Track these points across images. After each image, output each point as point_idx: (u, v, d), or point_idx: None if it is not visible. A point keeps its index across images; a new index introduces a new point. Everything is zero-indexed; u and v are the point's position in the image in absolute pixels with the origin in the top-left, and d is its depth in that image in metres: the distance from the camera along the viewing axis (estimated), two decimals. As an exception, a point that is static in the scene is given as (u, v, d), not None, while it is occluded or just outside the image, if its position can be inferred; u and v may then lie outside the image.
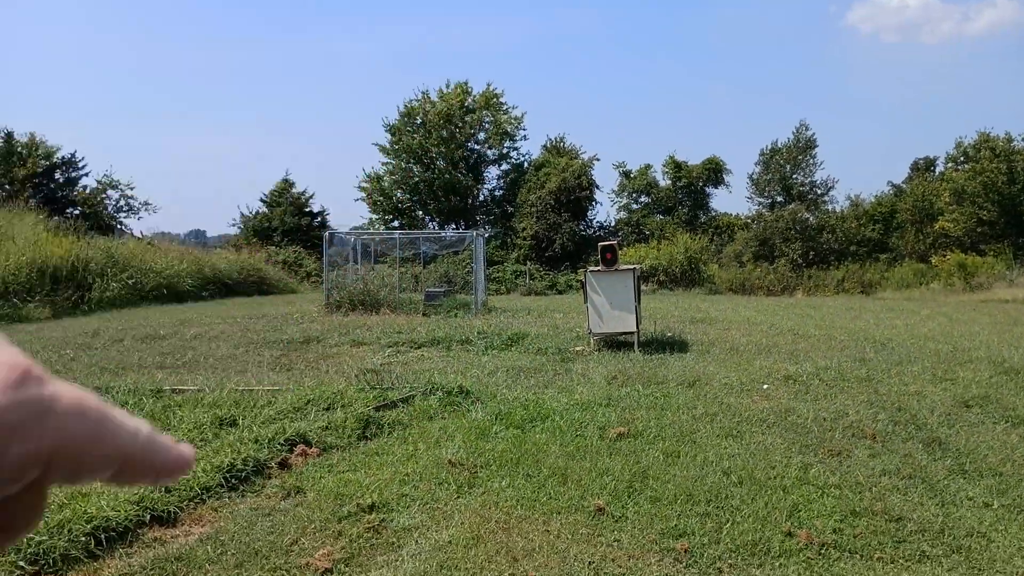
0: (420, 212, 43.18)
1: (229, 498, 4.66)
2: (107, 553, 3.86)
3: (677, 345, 11.35)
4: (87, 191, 39.24)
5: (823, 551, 3.91)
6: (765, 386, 8.12)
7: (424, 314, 17.12)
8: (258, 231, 41.31)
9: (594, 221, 42.37)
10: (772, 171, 44.10)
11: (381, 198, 42.47)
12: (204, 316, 16.69)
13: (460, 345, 11.65)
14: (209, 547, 3.93)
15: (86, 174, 39.86)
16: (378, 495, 4.63)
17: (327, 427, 6.03)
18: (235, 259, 29.59)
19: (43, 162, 37.49)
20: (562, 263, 36.91)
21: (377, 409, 6.69)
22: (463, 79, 43.16)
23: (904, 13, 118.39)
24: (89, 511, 4.04)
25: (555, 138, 45.36)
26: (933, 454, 5.64)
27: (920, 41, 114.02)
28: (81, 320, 16.38)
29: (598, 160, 42.64)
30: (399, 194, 42.66)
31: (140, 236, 33.06)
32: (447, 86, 42.54)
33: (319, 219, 43.56)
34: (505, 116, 42.90)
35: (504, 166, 44.41)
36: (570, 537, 4.07)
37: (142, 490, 4.43)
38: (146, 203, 41.10)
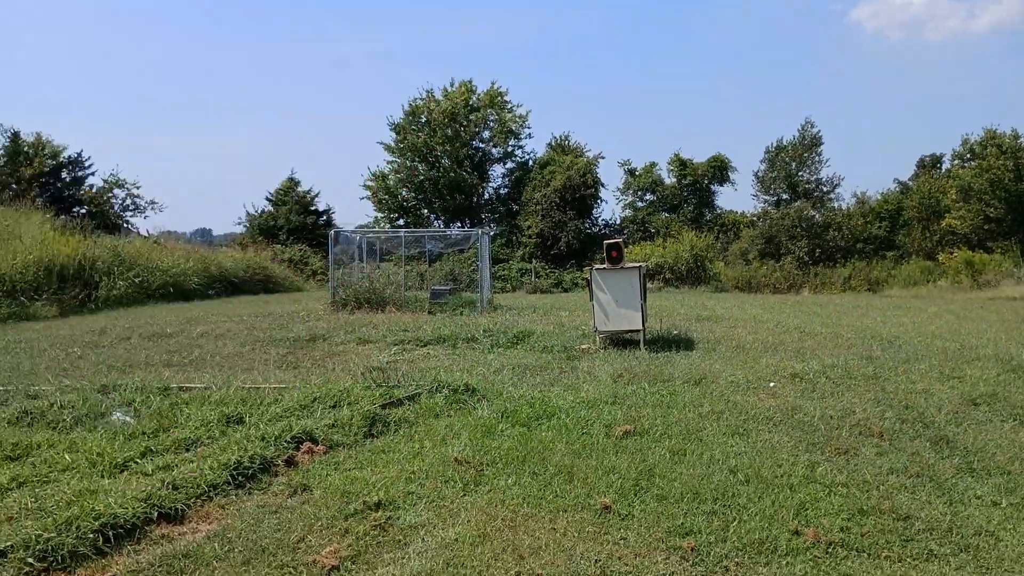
0: (425, 210, 43.18)
1: (236, 495, 4.67)
2: (115, 550, 3.87)
3: (683, 343, 11.33)
4: (93, 190, 39.37)
5: (830, 550, 3.91)
6: (772, 384, 8.10)
7: (430, 312, 17.13)
8: (264, 229, 41.41)
9: (599, 219, 42.37)
10: (778, 168, 43.99)
11: (386, 196, 42.49)
12: (210, 314, 16.73)
13: (466, 343, 11.65)
14: (216, 544, 3.94)
15: (92, 173, 40.04)
16: (384, 493, 4.64)
17: (333, 425, 6.04)
18: (241, 257, 29.67)
19: (50, 161, 37.61)
20: (567, 261, 36.88)
21: (383, 407, 6.70)
22: (468, 78, 43.20)
23: (909, 10, 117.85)
24: (97, 508, 4.06)
25: (560, 136, 45.32)
26: (941, 452, 5.62)
27: (925, 38, 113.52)
28: (88, 318, 16.45)
29: (603, 158, 42.50)
30: (404, 192, 42.67)
31: (146, 235, 33.15)
32: (452, 85, 42.57)
33: (324, 217, 43.66)
34: (510, 114, 42.87)
35: (509, 164, 44.41)
36: (576, 535, 4.07)
37: (150, 487, 4.45)
38: (152, 202, 41.28)
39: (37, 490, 4.54)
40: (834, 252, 36.99)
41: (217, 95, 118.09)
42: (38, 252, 19.47)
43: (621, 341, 11.38)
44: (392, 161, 42.84)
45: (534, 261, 35.68)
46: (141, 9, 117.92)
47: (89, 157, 39.72)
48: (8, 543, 3.70)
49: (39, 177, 36.56)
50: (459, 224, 42.17)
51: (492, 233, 33.08)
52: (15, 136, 37.33)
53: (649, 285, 18.51)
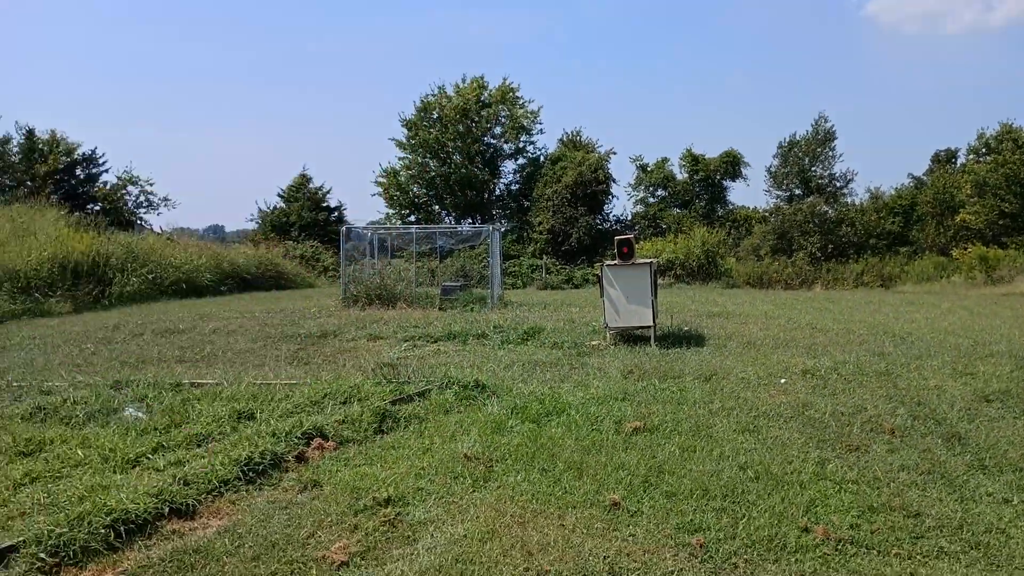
0: (436, 207, 43.27)
1: (247, 491, 4.70)
2: (126, 545, 3.90)
3: (694, 339, 11.31)
4: (107, 187, 39.66)
5: (840, 547, 3.89)
6: (782, 380, 8.07)
7: (440, 308, 17.15)
8: (276, 226, 41.59)
9: (610, 215, 42.32)
10: (790, 164, 43.74)
11: (398, 193, 42.59)
12: (222, 310, 16.82)
13: (476, 339, 11.67)
14: (227, 540, 3.96)
15: (106, 170, 40.36)
16: (394, 489, 4.65)
17: (344, 421, 6.06)
18: (253, 254, 29.79)
19: (64, 159, 37.91)
20: (578, 257, 36.86)
21: (393, 403, 6.72)
22: (479, 73, 43.26)
23: (925, 3, 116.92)
24: (109, 503, 4.09)
25: (571, 132, 45.32)
26: (952, 449, 5.59)
27: (941, 31, 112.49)
28: (101, 314, 16.56)
29: (615, 154, 42.59)
30: (415, 189, 42.77)
31: (159, 231, 33.35)
32: (463, 81, 42.61)
33: (336, 214, 43.79)
34: (521, 110, 42.86)
35: (520, 160, 44.43)
36: (585, 532, 4.08)
37: (161, 483, 4.48)
38: (165, 199, 41.59)
39: (50, 485, 4.58)
40: (847, 248, 36.76)
41: (230, 92, 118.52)
42: (52, 249, 19.61)
43: (631, 337, 11.37)
44: (404, 157, 42.95)
45: (545, 257, 35.68)
46: (155, 7, 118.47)
47: (103, 154, 40.09)
48: (21, 538, 3.74)
49: (54, 174, 36.86)
50: (470, 220, 42.24)
51: (503, 229, 33.10)
52: (30, 133, 37.65)
53: (660, 281, 18.49)
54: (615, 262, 11.16)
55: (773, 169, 44.66)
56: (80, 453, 5.22)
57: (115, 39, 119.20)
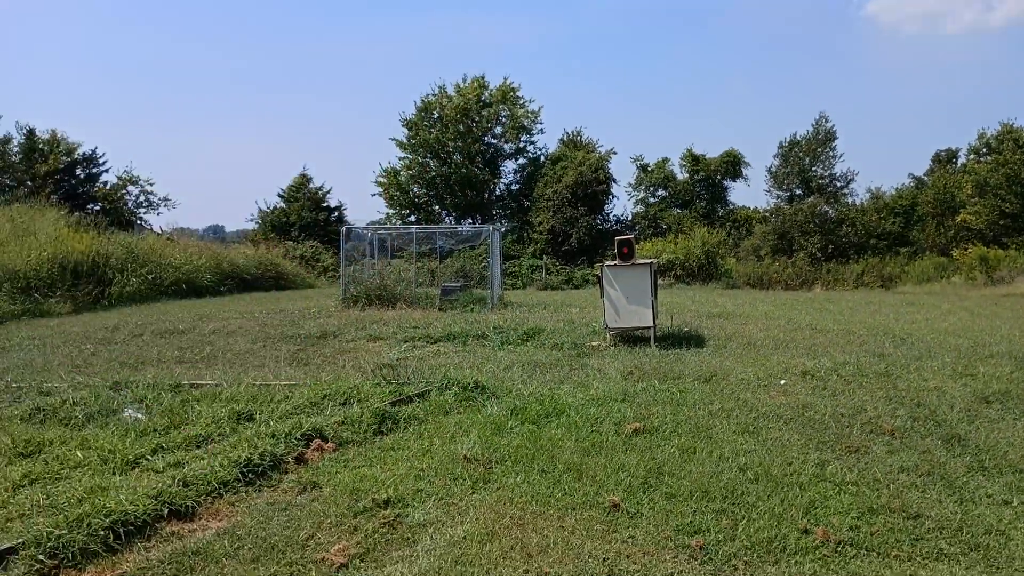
0: (437, 207, 43.27)
1: (246, 492, 4.70)
2: (125, 547, 3.90)
3: (694, 340, 11.30)
4: (107, 187, 39.68)
5: (839, 548, 3.89)
6: (782, 381, 8.07)
7: (440, 309, 17.14)
8: (276, 226, 41.59)
9: (611, 215, 42.33)
10: (791, 164, 43.77)
11: (398, 193, 42.60)
12: (222, 311, 16.81)
13: (476, 340, 11.66)
14: (226, 541, 3.96)
15: (107, 170, 40.38)
16: (394, 490, 4.65)
17: (343, 422, 6.06)
18: (253, 254, 29.77)
19: (64, 158, 37.92)
20: (578, 257, 36.86)
21: (393, 404, 6.71)
22: (480, 73, 43.25)
23: (925, 3, 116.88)
24: (108, 505, 4.09)
25: (572, 132, 45.35)
26: (952, 451, 5.58)
27: (942, 31, 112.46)
28: (101, 315, 16.55)
29: (615, 154, 42.56)
30: (416, 189, 42.78)
31: (159, 231, 33.33)
32: (464, 80, 42.64)
33: (336, 214, 43.79)
34: (522, 110, 42.87)
35: (521, 160, 44.45)
36: (585, 533, 4.07)
37: (161, 484, 4.48)
38: (165, 199, 41.62)
39: (49, 487, 4.58)
40: (847, 248, 36.77)
41: (230, 92, 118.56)
42: (52, 249, 19.60)
43: (631, 338, 11.36)
44: (404, 157, 42.95)
45: (545, 257, 35.68)
46: (156, 7, 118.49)
47: (104, 154, 40.11)
48: (20, 540, 3.74)
49: (54, 174, 36.87)
50: (470, 220, 42.25)
51: (503, 229, 33.11)
52: (31, 133, 37.66)
53: (660, 282, 18.49)
54: (615, 262, 11.16)
55: (773, 169, 44.71)
56: (79, 454, 5.22)
57: (116, 39, 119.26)
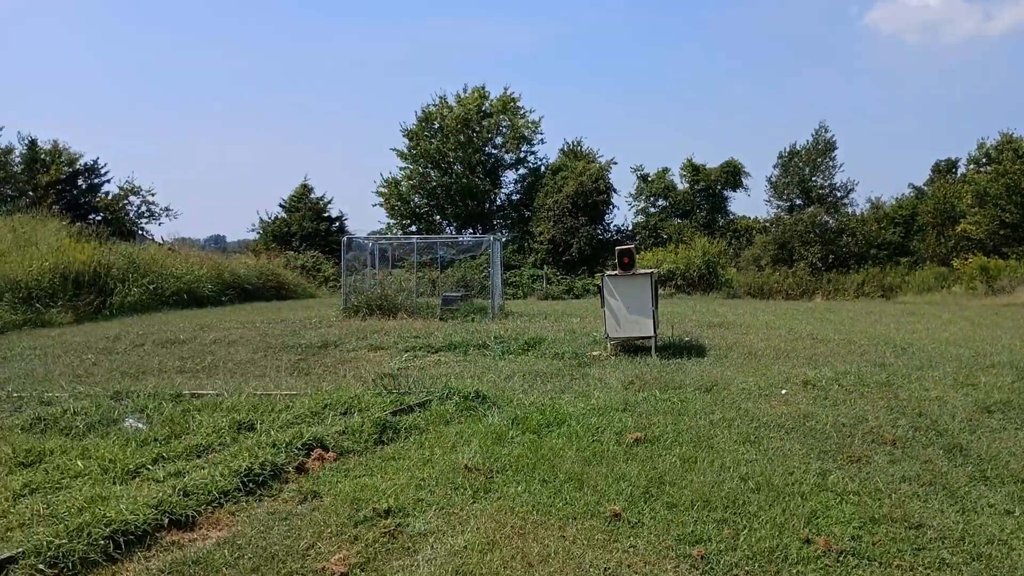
0: (437, 216, 43.28)
1: (246, 502, 4.69)
2: (125, 556, 3.89)
3: (695, 350, 11.30)
4: (109, 197, 39.70)
5: (841, 558, 3.88)
6: (783, 391, 8.06)
7: (441, 319, 17.15)
8: (277, 236, 41.62)
9: (611, 225, 42.29)
10: (791, 174, 43.77)
11: (399, 203, 42.61)
12: (223, 321, 16.82)
13: (477, 350, 11.67)
14: (226, 551, 3.95)
15: (108, 180, 40.39)
16: (394, 500, 4.64)
17: (344, 431, 6.05)
18: (254, 264, 29.81)
19: (66, 169, 37.96)
20: (579, 267, 36.85)
21: (394, 414, 6.71)
22: (480, 83, 43.32)
23: (925, 13, 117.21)
24: (108, 515, 4.08)
25: (572, 142, 45.38)
26: (954, 460, 5.57)
27: (942, 41, 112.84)
28: (103, 325, 16.57)
29: (615, 163, 42.54)
30: (417, 199, 42.79)
31: (161, 241, 33.38)
32: (464, 91, 42.70)
33: (337, 224, 43.80)
34: (522, 120, 42.93)
35: (521, 170, 44.45)
36: (586, 543, 4.06)
37: (161, 494, 4.47)
38: (167, 209, 41.60)
39: (49, 496, 4.57)
40: (847, 258, 36.77)
41: (232, 102, 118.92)
42: (54, 259, 19.63)
43: (632, 348, 11.36)
44: (405, 168, 42.98)
45: (546, 267, 35.68)
46: (158, 17, 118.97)
47: (105, 164, 40.13)
48: (20, 549, 3.73)
49: (55, 184, 36.92)
50: (471, 230, 42.26)
51: (504, 239, 33.13)
52: (32, 144, 37.74)
53: (661, 291, 18.49)
54: (616, 272, 11.17)
55: (774, 179, 44.70)
56: (80, 464, 5.22)
57: (118, 49, 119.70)
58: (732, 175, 43.36)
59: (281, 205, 43.97)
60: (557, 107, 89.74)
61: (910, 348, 11.43)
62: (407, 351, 11.55)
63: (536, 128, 43.34)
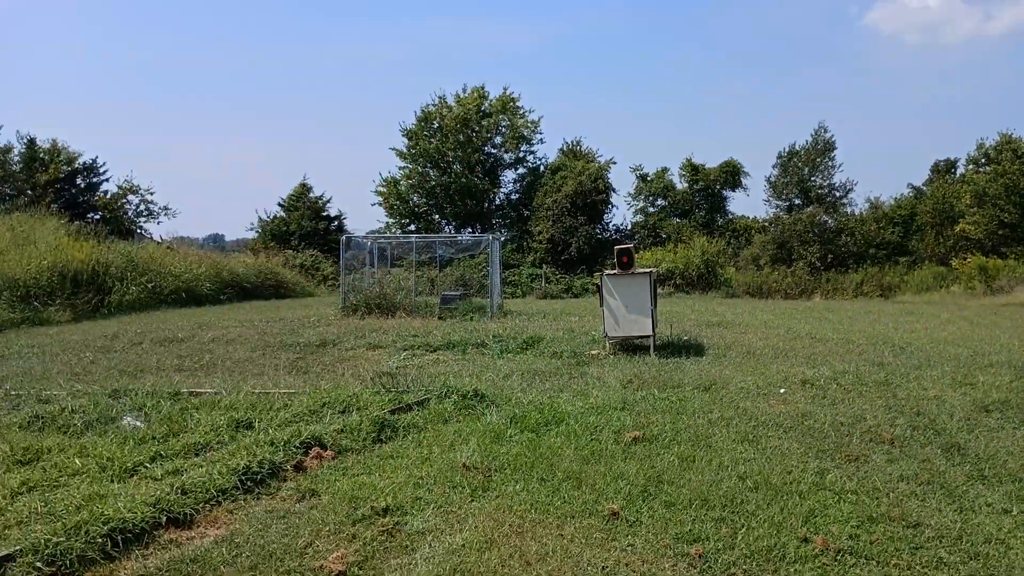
0: (436, 216, 43.27)
1: (244, 500, 4.69)
2: (123, 554, 3.89)
3: (693, 349, 11.30)
4: (108, 196, 39.64)
5: (839, 557, 3.88)
6: (782, 390, 8.07)
7: (440, 317, 17.15)
8: (276, 235, 41.60)
9: (610, 224, 42.26)
10: (790, 174, 43.77)
11: (398, 202, 42.60)
12: (222, 319, 16.82)
13: (475, 348, 11.66)
14: (224, 549, 3.95)
15: (107, 179, 40.31)
16: (392, 498, 4.64)
17: (342, 430, 6.05)
18: (253, 263, 29.77)
19: (65, 167, 37.90)
20: (578, 266, 36.84)
21: (392, 412, 6.71)
22: (480, 83, 43.31)
23: (925, 13, 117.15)
24: (106, 513, 4.08)
25: (572, 141, 45.35)
26: (952, 459, 5.58)
27: (942, 41, 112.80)
28: (101, 323, 16.56)
29: (615, 163, 42.53)
30: (415, 198, 42.78)
31: (159, 240, 33.34)
32: (464, 90, 42.67)
33: (336, 223, 43.77)
34: (522, 120, 42.91)
35: (520, 170, 44.44)
36: (584, 541, 4.06)
37: (159, 492, 4.47)
38: (165, 207, 41.53)
39: (47, 494, 4.57)
40: (846, 258, 36.77)
41: (231, 101, 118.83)
42: (52, 257, 19.63)
43: (631, 347, 11.37)
44: (404, 167, 42.97)
45: (545, 266, 35.67)
46: (155, 15, 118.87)
47: (104, 163, 40.05)
48: (18, 547, 3.73)
49: (54, 183, 36.86)
50: (470, 229, 42.24)
51: (503, 238, 33.12)
52: (31, 142, 37.68)
53: (659, 290, 18.50)
54: (615, 271, 11.17)
55: (773, 179, 44.68)
56: (78, 462, 5.21)
57: (117, 48, 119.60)
58: (731, 175, 43.35)
59: (280, 204, 43.97)
60: (556, 107, 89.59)
61: (908, 347, 11.44)
62: (405, 350, 11.55)
63: (535, 128, 43.34)
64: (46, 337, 13.61)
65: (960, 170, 43.78)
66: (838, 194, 43.51)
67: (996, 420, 6.78)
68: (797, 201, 43.48)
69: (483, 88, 42.60)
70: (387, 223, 43.30)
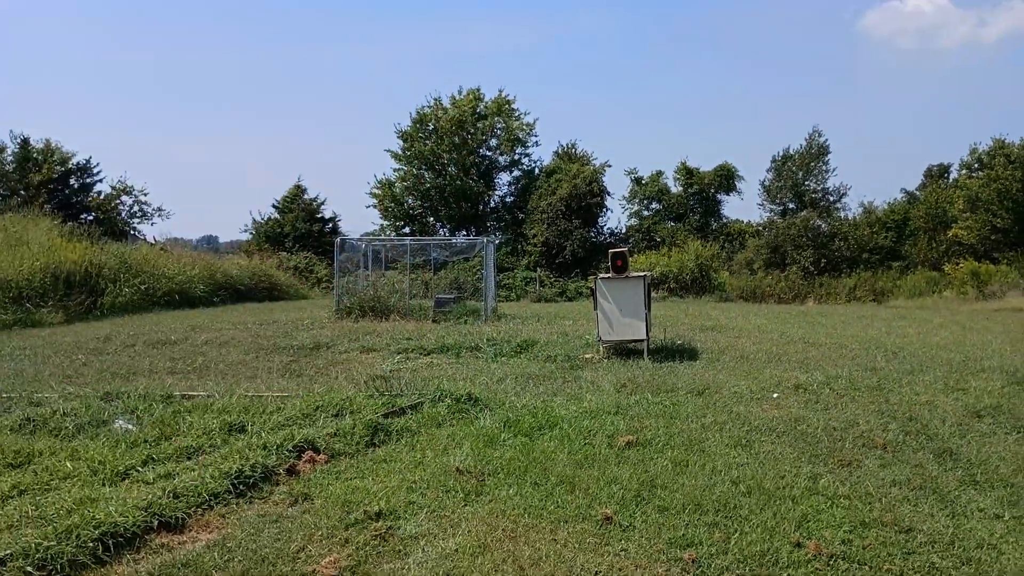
0: (431, 218, 43.30)
1: (237, 504, 4.67)
2: (115, 559, 3.87)
3: (687, 353, 11.31)
4: (101, 197, 39.56)
5: (832, 562, 3.88)
6: (775, 395, 8.08)
7: (434, 320, 17.13)
8: (270, 237, 41.56)
9: (605, 228, 42.39)
10: (784, 178, 43.93)
11: (392, 204, 42.60)
12: (215, 322, 16.77)
13: (469, 352, 11.65)
14: (216, 553, 3.93)
15: (100, 180, 40.23)
16: (385, 502, 4.63)
17: (335, 434, 6.04)
18: (247, 265, 29.70)
19: (58, 168, 37.81)
20: (572, 270, 36.89)
21: (386, 416, 6.69)
22: (475, 86, 43.39)
23: (919, 18, 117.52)
24: (97, 516, 4.06)
25: (567, 144, 45.49)
26: (944, 464, 5.59)
27: (935, 46, 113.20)
28: (93, 325, 16.49)
29: (609, 166, 42.73)
30: (410, 200, 42.80)
31: (153, 241, 33.29)
32: (459, 93, 42.75)
33: (330, 225, 43.78)
34: (517, 123, 43.00)
35: (515, 172, 44.54)
36: (577, 546, 4.06)
37: (151, 496, 4.45)
38: (159, 209, 41.45)
39: (38, 498, 4.54)
40: (839, 262, 36.91)
41: (224, 102, 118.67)
42: (45, 258, 19.53)
43: (625, 351, 11.37)
44: (399, 169, 43.01)
45: (539, 270, 35.69)
46: (151, 15, 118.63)
47: (98, 164, 39.97)
48: (8, 551, 3.70)
49: (47, 183, 36.76)
50: (465, 232, 42.26)
51: (497, 241, 33.12)
52: (24, 142, 37.57)
53: (653, 294, 18.52)
54: (609, 275, 11.18)
55: (767, 183, 44.86)
56: (69, 465, 5.19)
57: (112, 49, 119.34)
58: (725, 179, 43.50)
59: (274, 206, 43.96)
60: (552, 110, 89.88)
61: (901, 352, 11.47)
62: (399, 353, 11.54)
63: (531, 130, 43.46)
64: (38, 339, 13.55)
65: (953, 175, 44.06)
66: (832, 198, 43.72)
67: (988, 425, 6.80)
68: (791, 205, 43.65)
69: (478, 90, 42.73)
70: (381, 225, 43.33)
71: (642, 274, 11.64)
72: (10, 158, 37.40)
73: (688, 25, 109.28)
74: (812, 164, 43.48)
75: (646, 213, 44.58)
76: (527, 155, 44.14)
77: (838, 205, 43.64)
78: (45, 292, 18.47)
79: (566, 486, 4.97)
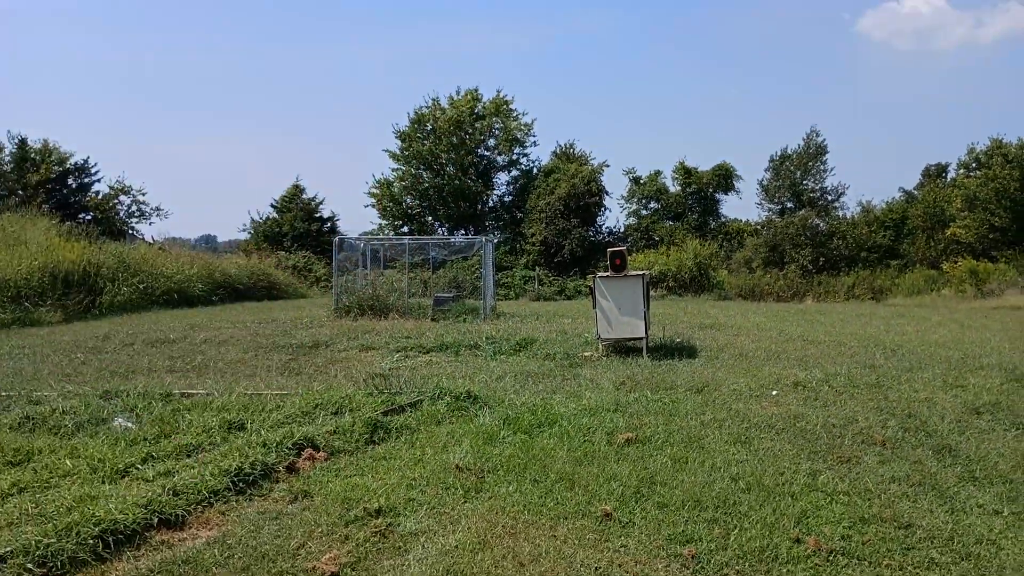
0: (430, 218, 43.29)
1: (236, 501, 4.67)
2: (115, 556, 3.87)
3: (686, 351, 11.32)
4: (99, 196, 39.52)
5: (831, 558, 3.89)
6: (774, 392, 8.09)
7: (433, 319, 17.13)
8: (268, 236, 41.54)
9: (603, 227, 42.39)
10: (782, 177, 43.93)
11: (391, 204, 42.58)
12: (214, 321, 16.76)
13: (468, 350, 11.66)
14: (216, 550, 3.93)
15: (99, 180, 40.20)
16: (385, 499, 4.63)
17: (335, 431, 6.04)
18: (245, 264, 29.68)
19: (56, 168, 37.78)
20: (571, 269, 36.89)
21: (385, 414, 6.69)
22: (473, 86, 43.38)
23: (917, 19, 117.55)
24: (97, 514, 4.06)
25: (565, 144, 45.48)
26: (943, 461, 5.60)
27: (933, 47, 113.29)
28: (92, 324, 16.47)
29: (608, 166, 42.71)
30: (409, 200, 42.78)
31: (151, 241, 33.26)
32: (457, 93, 42.73)
33: (329, 224, 43.76)
34: (515, 122, 42.98)
35: (514, 172, 44.53)
36: (577, 543, 4.06)
37: (151, 493, 4.45)
38: (157, 208, 41.44)
39: (38, 496, 4.54)
40: (838, 261, 36.96)
41: (223, 101, 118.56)
42: (43, 258, 19.52)
43: (624, 349, 11.38)
44: (397, 169, 43.00)
45: (538, 268, 35.69)
46: (149, 14, 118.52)
47: (96, 164, 39.94)
48: (8, 548, 3.70)
49: (45, 183, 36.72)
50: (463, 231, 42.25)
51: (496, 240, 33.12)
52: (22, 142, 37.53)
53: (652, 293, 18.53)
54: (608, 274, 11.18)
55: (765, 182, 44.85)
56: (69, 463, 5.19)
57: (109, 49, 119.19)
58: (724, 178, 43.51)
59: (273, 205, 43.94)
60: (550, 110, 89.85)
61: (900, 350, 11.49)
62: (398, 351, 11.53)
63: (529, 130, 43.45)
64: (37, 338, 13.54)
65: (951, 174, 44.12)
66: (830, 198, 43.72)
67: (987, 422, 6.81)
68: (789, 204, 43.66)
69: (476, 90, 42.71)
70: (380, 225, 43.32)
71: (641, 273, 11.65)
72: (8, 158, 37.36)
73: (687, 25, 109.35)
74: (810, 164, 43.48)
75: (644, 212, 44.59)
76: (525, 155, 44.19)
77: (836, 204, 43.70)
78: (44, 291, 18.46)
79: (565, 483, 4.97)
